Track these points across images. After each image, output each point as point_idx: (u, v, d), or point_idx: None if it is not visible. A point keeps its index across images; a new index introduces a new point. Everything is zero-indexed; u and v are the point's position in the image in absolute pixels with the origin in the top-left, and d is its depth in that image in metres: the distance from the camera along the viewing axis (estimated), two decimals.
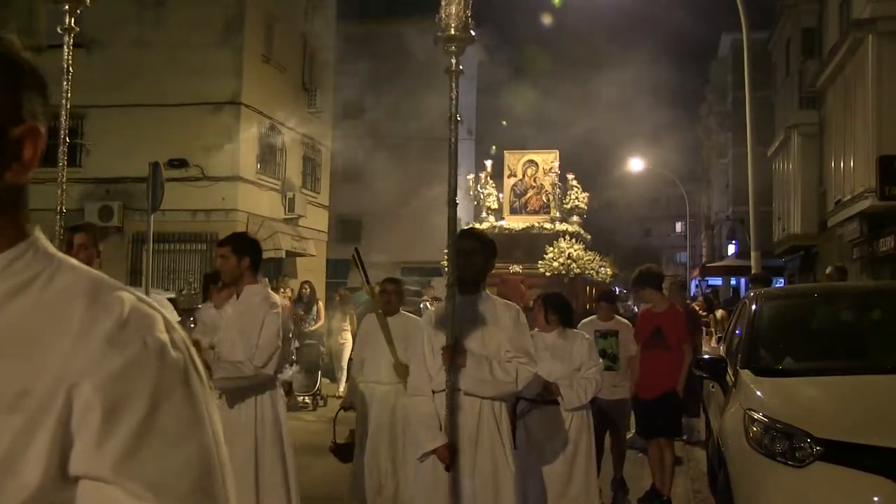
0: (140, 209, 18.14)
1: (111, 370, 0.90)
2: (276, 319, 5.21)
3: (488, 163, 18.30)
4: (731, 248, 42.84)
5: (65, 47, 3.90)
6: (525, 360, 4.31)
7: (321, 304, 15.84)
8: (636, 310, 14.76)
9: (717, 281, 46.87)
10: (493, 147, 42.40)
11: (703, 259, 53.26)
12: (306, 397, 14.13)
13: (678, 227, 75.44)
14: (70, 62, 3.90)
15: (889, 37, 17.56)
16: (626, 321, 8.70)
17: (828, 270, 10.67)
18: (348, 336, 15.12)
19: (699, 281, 45.87)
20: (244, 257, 5.37)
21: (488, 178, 17.70)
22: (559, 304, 6.34)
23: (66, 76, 3.86)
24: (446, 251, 16.18)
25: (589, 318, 8.48)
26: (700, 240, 60.67)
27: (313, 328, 15.28)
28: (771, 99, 29.65)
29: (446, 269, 14.93)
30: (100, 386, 0.89)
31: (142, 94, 21.22)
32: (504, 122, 42.07)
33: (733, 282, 44.15)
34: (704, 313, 14.38)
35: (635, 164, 49.68)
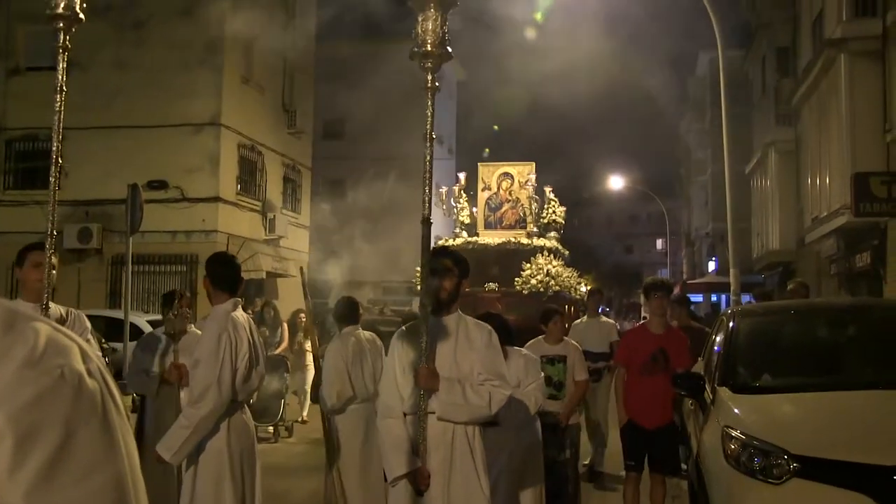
0: (119, 231, 18.08)
1: (25, 399, 0.90)
2: (213, 344, 4.98)
3: (462, 175, 17.55)
4: (712, 265, 43.09)
5: (59, 67, 3.90)
6: (498, 383, 4.21)
7: (286, 325, 15.25)
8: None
9: (698, 297, 47.09)
10: (487, 150, 42.54)
11: (684, 276, 53.49)
12: (268, 427, 12.69)
13: (659, 244, 75.86)
14: (64, 81, 3.90)
15: (861, 56, 17.78)
16: (575, 343, 7.92)
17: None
18: (310, 358, 14.60)
19: None
20: (207, 276, 5.38)
21: (462, 192, 16.98)
22: (497, 324, 6.13)
23: (59, 94, 3.86)
24: (418, 269, 15.94)
25: (535, 340, 7.63)
26: (681, 256, 60.96)
27: (276, 352, 14.64)
28: (748, 116, 29.92)
29: (419, 287, 14.76)
30: (13, 414, 0.89)
31: (121, 115, 21.20)
32: (496, 127, 42.06)
33: (714, 298, 44.34)
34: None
35: (615, 182, 49.99)
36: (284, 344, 14.62)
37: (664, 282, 7.47)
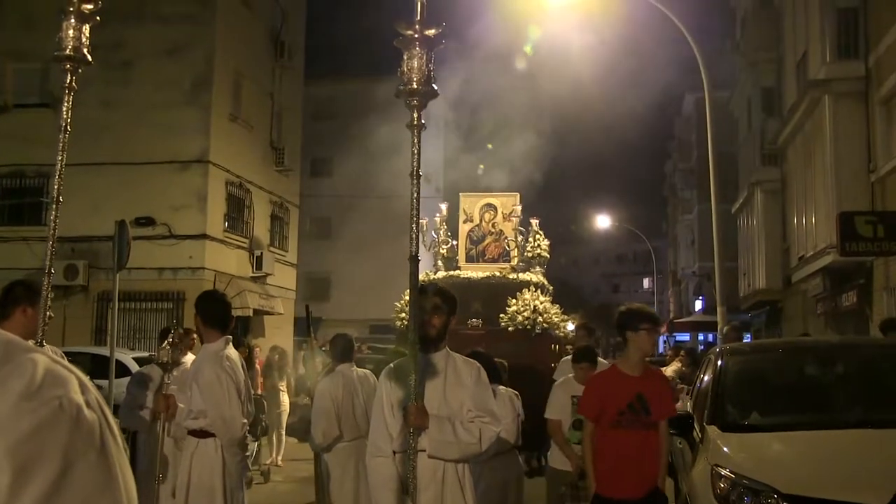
0: (106, 268, 18.01)
1: (23, 431, 0.90)
2: (217, 387, 5.06)
3: (443, 206, 16.72)
4: (699, 304, 43.17)
5: (65, 107, 3.91)
6: (488, 420, 4.22)
7: (256, 365, 14.91)
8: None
9: (686, 336, 47.13)
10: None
11: (671, 315, 53.58)
12: None
13: (646, 283, 75.99)
14: (69, 121, 3.92)
15: (844, 97, 17.99)
16: None
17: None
18: (285, 399, 14.21)
19: (667, 337, 46.11)
20: (197, 314, 5.36)
21: (443, 223, 16.22)
22: (483, 363, 5.89)
23: (63, 134, 3.87)
24: (397, 304, 15.31)
25: (565, 378, 7.34)
26: (667, 296, 61.07)
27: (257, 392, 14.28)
28: (734, 156, 30.17)
29: (397, 325, 14.24)
30: (11, 446, 0.89)
31: (109, 152, 21.20)
32: (481, 167, 42.11)
33: (700, 337, 44.40)
34: (688, 370, 13.36)
35: (602, 221, 50.21)
36: (259, 386, 14.36)
37: (651, 312, 5.92)
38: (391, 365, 4.51)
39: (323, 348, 12.69)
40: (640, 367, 5.65)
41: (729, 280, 19.73)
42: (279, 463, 13.78)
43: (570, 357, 10.30)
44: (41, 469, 0.89)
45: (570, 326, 15.55)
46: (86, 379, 1.00)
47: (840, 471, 5.19)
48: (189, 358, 6.46)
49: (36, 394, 0.93)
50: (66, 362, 1.01)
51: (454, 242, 16.15)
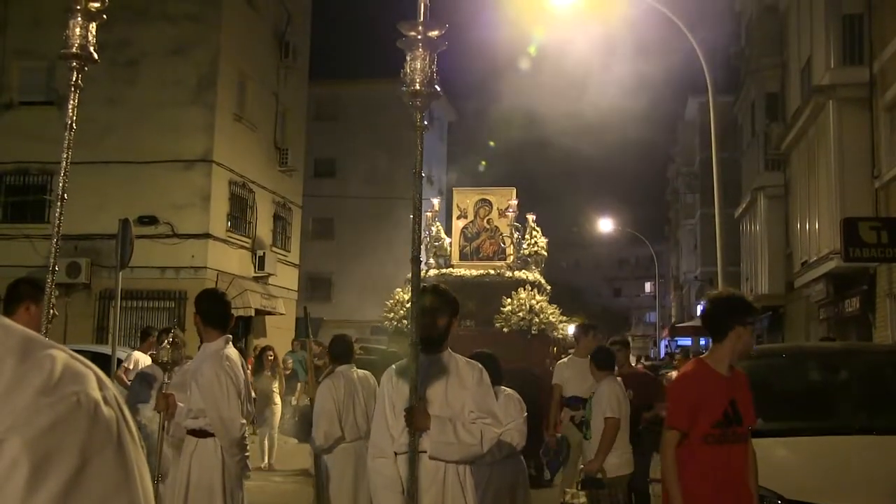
0: (108, 266, 17.98)
1: (41, 426, 0.90)
2: (216, 387, 5.08)
3: (436, 201, 16.28)
4: (700, 308, 43.10)
5: (70, 105, 3.90)
6: (490, 421, 4.20)
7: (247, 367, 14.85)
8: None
9: (687, 341, 47.11)
10: (483, 162, 42.65)
11: (672, 319, 53.52)
12: None
13: (647, 287, 75.96)
14: (74, 119, 3.90)
15: (848, 102, 17.99)
16: (611, 376, 7.35)
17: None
18: (278, 400, 14.15)
19: (668, 341, 46.08)
20: (197, 313, 5.38)
21: (435, 219, 15.71)
22: (487, 364, 5.34)
23: (68, 132, 3.87)
24: (387, 304, 14.92)
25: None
26: (669, 300, 61.02)
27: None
28: (737, 160, 30.14)
29: (385, 325, 13.89)
30: (29, 442, 0.89)
31: (113, 151, 21.20)
32: (483, 163, 42.24)
33: (703, 342, 44.38)
34: None
35: (604, 225, 50.20)
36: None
37: (746, 300, 4.71)
38: (393, 366, 4.49)
39: (316, 357, 12.48)
40: (725, 365, 4.48)
41: (731, 285, 19.69)
42: (271, 464, 13.56)
43: (566, 360, 10.01)
44: (59, 464, 0.89)
45: (571, 328, 15.24)
46: (103, 375, 0.99)
47: (844, 477, 5.17)
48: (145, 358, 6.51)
49: (54, 389, 0.92)
50: (83, 358, 1.00)
51: (447, 239, 15.66)
